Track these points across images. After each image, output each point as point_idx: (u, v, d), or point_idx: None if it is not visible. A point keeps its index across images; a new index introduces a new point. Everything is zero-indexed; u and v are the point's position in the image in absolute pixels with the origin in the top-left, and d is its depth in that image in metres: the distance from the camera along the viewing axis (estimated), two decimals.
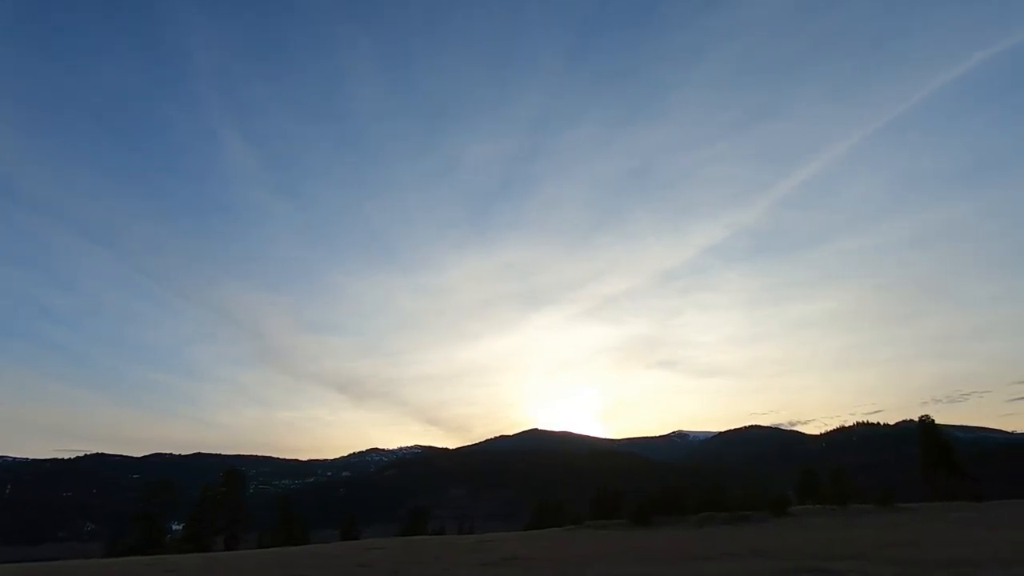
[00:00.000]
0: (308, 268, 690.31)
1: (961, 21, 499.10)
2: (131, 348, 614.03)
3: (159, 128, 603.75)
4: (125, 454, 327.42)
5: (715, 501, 46.41)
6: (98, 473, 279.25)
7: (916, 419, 60.17)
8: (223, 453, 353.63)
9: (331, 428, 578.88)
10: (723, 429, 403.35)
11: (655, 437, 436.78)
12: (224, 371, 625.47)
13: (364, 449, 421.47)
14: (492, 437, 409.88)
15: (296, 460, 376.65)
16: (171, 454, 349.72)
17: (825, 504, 50.20)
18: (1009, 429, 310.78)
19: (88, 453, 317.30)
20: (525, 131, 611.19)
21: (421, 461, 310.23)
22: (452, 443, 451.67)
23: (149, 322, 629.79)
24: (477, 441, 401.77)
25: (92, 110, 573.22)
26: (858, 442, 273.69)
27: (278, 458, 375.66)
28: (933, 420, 58.32)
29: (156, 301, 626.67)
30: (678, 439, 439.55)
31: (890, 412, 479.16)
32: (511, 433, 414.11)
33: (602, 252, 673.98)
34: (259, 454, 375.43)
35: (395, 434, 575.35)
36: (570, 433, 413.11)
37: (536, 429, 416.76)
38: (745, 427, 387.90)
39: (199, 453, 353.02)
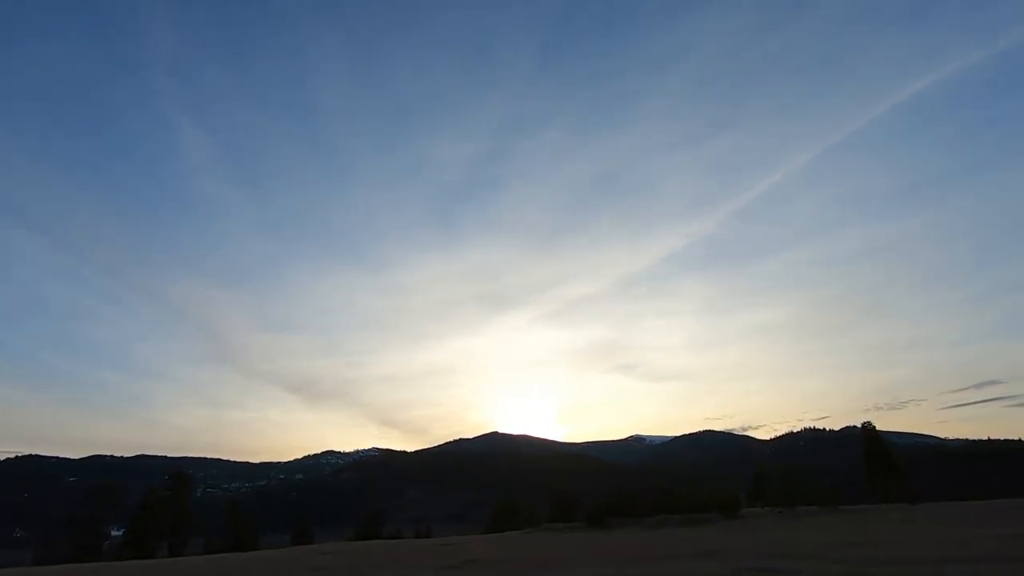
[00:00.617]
0: (266, 264, 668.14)
1: (908, 47, 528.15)
2: (72, 344, 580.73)
3: (109, 114, 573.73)
4: (62, 456, 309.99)
5: (669, 503, 47.32)
6: (32, 476, 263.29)
7: (859, 425, 63.02)
8: (169, 455, 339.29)
9: (285, 430, 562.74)
10: (679, 433, 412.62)
11: (613, 440, 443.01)
12: (173, 369, 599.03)
13: (319, 451, 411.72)
14: (451, 440, 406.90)
15: (247, 462, 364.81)
16: (113, 456, 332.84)
17: (774, 506, 51.93)
18: (942, 435, 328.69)
19: (21, 454, 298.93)
20: (493, 133, 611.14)
21: (378, 464, 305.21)
22: (411, 446, 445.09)
23: (93, 317, 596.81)
24: (436, 444, 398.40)
25: (35, 92, 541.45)
26: (806, 447, 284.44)
27: (228, 460, 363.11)
28: (874, 426, 61.16)
29: (102, 295, 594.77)
30: (635, 442, 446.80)
31: (836, 418, 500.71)
32: (471, 436, 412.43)
33: (566, 256, 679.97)
34: (208, 456, 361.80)
35: (352, 436, 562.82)
36: (529, 436, 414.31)
37: (496, 432, 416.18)
38: (700, 431, 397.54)
39: (143, 455, 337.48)
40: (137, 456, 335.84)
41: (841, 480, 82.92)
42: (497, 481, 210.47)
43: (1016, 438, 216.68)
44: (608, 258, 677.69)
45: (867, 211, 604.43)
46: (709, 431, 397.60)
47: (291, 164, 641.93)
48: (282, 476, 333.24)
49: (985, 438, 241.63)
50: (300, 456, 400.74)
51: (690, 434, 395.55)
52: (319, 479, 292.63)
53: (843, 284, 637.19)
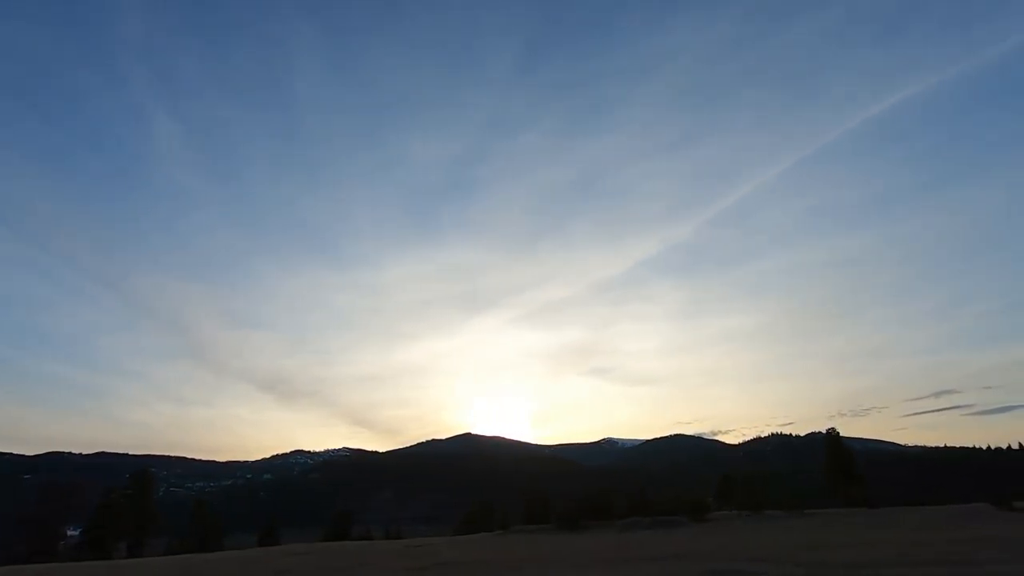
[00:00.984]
0: (239, 259, 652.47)
1: (880, 64, 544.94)
2: (30, 336, 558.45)
3: (75, 100, 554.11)
4: (17, 452, 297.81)
5: (639, 506, 47.86)
6: None
7: (824, 431, 64.73)
8: (132, 453, 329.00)
9: (254, 428, 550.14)
10: (650, 437, 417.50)
11: (585, 443, 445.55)
12: (137, 364, 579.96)
13: (288, 451, 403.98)
14: (424, 440, 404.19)
15: (213, 461, 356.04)
16: (71, 453, 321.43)
17: (741, 510, 53.00)
18: (902, 442, 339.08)
19: None
20: (474, 134, 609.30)
21: (349, 464, 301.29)
22: (382, 446, 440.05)
23: (53, 309, 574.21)
24: (408, 444, 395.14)
25: None
26: (773, 451, 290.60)
27: (193, 459, 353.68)
28: (838, 432, 62.87)
29: (63, 286, 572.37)
30: (607, 445, 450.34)
31: (801, 424, 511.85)
32: (444, 437, 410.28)
33: (543, 259, 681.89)
34: (172, 454, 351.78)
35: (322, 436, 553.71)
36: (503, 438, 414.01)
37: (470, 433, 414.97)
38: (671, 435, 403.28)
39: (103, 452, 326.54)
40: (98, 454, 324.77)
41: (806, 484, 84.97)
42: (470, 483, 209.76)
43: (971, 445, 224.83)
44: (584, 262, 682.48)
45: (837, 222, 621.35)
46: (680, 435, 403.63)
47: (267, 157, 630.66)
48: (249, 476, 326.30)
49: (942, 445, 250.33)
50: (268, 455, 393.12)
51: (662, 437, 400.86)
52: (288, 479, 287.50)
53: (812, 293, 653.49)
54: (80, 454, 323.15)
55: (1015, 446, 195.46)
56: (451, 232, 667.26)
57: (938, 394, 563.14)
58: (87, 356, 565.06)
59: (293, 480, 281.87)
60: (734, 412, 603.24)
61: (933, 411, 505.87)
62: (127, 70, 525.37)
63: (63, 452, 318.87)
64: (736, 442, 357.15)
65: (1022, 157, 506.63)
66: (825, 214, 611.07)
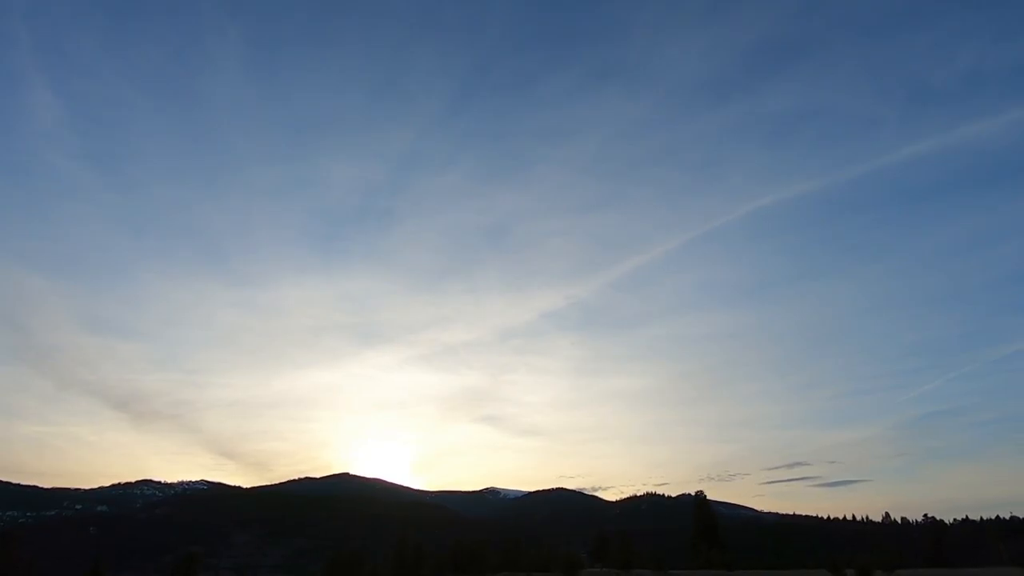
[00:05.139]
0: (109, 257, 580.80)
1: (768, 164, 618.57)
2: None
3: None
4: None
5: (514, 560, 47.19)
6: None
7: (693, 493, 68.60)
8: None
9: (94, 451, 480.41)
10: (534, 489, 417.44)
11: (468, 492, 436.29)
12: None
13: (134, 480, 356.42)
14: (296, 478, 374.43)
15: (35, 487, 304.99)
16: None
17: (612, 567, 54.00)
18: (759, 508, 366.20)
19: None
20: (393, 165, 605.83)
21: (205, 499, 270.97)
22: (248, 481, 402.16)
23: None
24: (278, 481, 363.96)
25: None
26: (647, 510, 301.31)
27: (9, 483, 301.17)
28: (705, 496, 66.94)
29: None
30: (491, 495, 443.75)
31: (674, 485, 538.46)
32: (319, 476, 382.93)
33: (448, 300, 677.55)
34: None
35: (179, 465, 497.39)
36: (383, 481, 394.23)
37: (347, 474, 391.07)
38: (554, 488, 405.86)
39: None
40: None
41: (674, 544, 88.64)
42: (341, 528, 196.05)
43: (815, 515, 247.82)
44: (489, 308, 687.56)
45: (718, 298, 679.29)
46: (562, 488, 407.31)
47: (164, 154, 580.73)
48: (79, 506, 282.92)
49: (792, 513, 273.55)
50: (108, 484, 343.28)
51: (544, 490, 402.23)
52: (128, 513, 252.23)
53: (692, 362, 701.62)
54: None
55: (849, 517, 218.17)
56: (356, 261, 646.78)
57: (791, 465, 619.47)
58: None
59: (134, 514, 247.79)
60: (614, 469, 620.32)
61: (787, 480, 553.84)
62: (6, 27, 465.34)
63: None
64: (614, 499, 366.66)
65: (872, 262, 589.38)
66: (709, 290, 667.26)
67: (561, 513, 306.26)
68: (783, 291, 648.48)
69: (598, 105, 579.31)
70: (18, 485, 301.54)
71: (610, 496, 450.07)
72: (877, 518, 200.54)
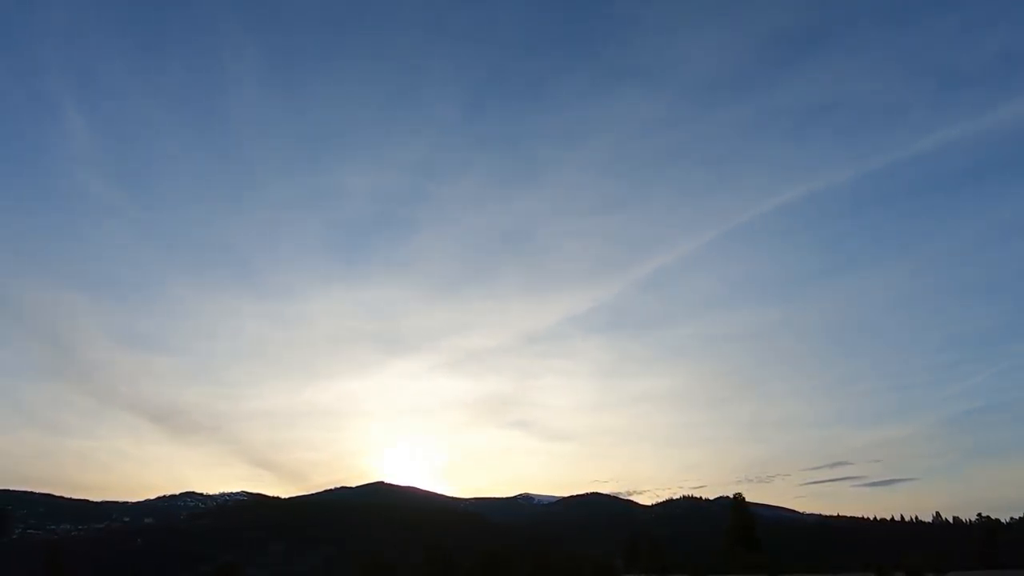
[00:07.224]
0: (142, 274, 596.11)
1: (791, 158, 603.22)
2: None
3: None
4: None
5: (545, 566, 46.56)
6: None
7: (731, 496, 66.72)
8: None
9: (138, 465, 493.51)
10: (567, 494, 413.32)
11: (501, 497, 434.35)
12: (2, 382, 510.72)
13: (177, 492, 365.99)
14: (332, 487, 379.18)
15: (85, 500, 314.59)
16: None
17: (647, 572, 52.81)
18: (800, 509, 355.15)
19: None
20: (409, 174, 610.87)
21: (244, 509, 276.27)
22: (285, 491, 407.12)
23: None
24: (315, 491, 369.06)
25: None
26: (683, 514, 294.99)
27: (61, 497, 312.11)
28: (744, 498, 64.95)
29: None
30: (523, 501, 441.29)
31: (711, 488, 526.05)
32: (354, 485, 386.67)
33: (470, 306, 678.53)
34: (36, 490, 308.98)
35: (218, 477, 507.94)
36: (416, 489, 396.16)
37: (382, 482, 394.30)
38: (587, 493, 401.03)
39: None
40: None
41: (712, 548, 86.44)
42: (376, 536, 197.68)
43: (860, 516, 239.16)
44: (511, 313, 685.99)
45: (747, 296, 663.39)
46: (596, 493, 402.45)
47: (191, 171, 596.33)
48: (127, 519, 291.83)
49: (835, 514, 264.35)
50: (153, 496, 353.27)
51: (578, 495, 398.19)
52: (172, 524, 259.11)
53: (723, 361, 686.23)
54: None
55: (896, 518, 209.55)
56: (378, 270, 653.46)
57: (833, 464, 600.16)
58: None
59: (178, 525, 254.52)
60: (647, 472, 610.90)
61: (828, 480, 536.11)
62: (40, 54, 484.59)
63: None
64: (650, 503, 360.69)
65: (904, 253, 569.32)
66: (737, 288, 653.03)
67: (596, 518, 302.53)
68: (812, 286, 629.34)
69: (613, 105, 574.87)
70: (70, 499, 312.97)
71: (645, 500, 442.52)
72: (927, 518, 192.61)
